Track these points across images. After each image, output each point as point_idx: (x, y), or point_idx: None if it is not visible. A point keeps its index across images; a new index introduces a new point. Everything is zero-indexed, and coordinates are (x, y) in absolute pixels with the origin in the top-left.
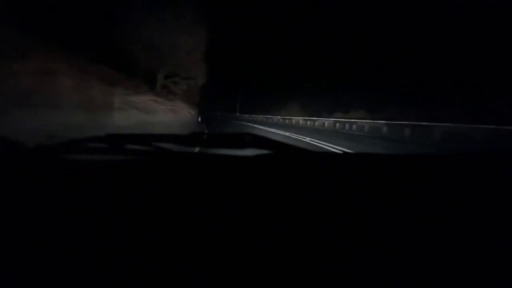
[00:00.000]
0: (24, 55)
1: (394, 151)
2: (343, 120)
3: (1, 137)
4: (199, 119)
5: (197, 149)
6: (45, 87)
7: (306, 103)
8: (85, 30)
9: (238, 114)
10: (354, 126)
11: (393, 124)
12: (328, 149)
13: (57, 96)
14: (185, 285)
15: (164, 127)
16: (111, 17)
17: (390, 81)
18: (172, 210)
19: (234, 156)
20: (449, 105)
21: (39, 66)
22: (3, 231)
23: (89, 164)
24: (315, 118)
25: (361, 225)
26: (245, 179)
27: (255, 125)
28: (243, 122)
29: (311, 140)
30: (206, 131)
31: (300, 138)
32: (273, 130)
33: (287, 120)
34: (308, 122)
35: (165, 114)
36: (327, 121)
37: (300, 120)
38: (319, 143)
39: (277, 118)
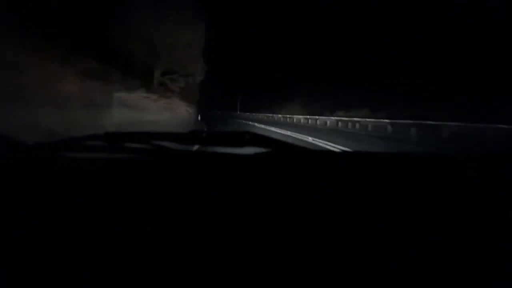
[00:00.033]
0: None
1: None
2: (345, 118)
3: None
4: (199, 118)
5: (196, 147)
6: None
7: (306, 102)
8: (79, 24)
9: (238, 112)
10: (357, 125)
11: (397, 123)
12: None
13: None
14: (185, 284)
15: (156, 127)
16: (106, 11)
17: (390, 81)
18: (171, 209)
19: (234, 154)
20: (449, 105)
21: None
22: (2, 230)
23: (88, 162)
24: (317, 117)
25: (360, 224)
26: (244, 178)
27: (255, 124)
28: (243, 121)
29: (314, 140)
30: (205, 129)
31: (303, 138)
32: (273, 129)
33: (288, 119)
34: (310, 121)
35: (159, 112)
36: (329, 120)
37: (301, 118)
38: (324, 143)
39: (278, 116)
